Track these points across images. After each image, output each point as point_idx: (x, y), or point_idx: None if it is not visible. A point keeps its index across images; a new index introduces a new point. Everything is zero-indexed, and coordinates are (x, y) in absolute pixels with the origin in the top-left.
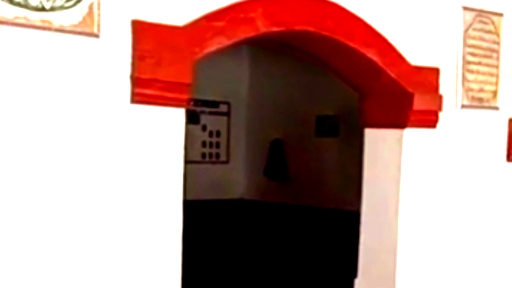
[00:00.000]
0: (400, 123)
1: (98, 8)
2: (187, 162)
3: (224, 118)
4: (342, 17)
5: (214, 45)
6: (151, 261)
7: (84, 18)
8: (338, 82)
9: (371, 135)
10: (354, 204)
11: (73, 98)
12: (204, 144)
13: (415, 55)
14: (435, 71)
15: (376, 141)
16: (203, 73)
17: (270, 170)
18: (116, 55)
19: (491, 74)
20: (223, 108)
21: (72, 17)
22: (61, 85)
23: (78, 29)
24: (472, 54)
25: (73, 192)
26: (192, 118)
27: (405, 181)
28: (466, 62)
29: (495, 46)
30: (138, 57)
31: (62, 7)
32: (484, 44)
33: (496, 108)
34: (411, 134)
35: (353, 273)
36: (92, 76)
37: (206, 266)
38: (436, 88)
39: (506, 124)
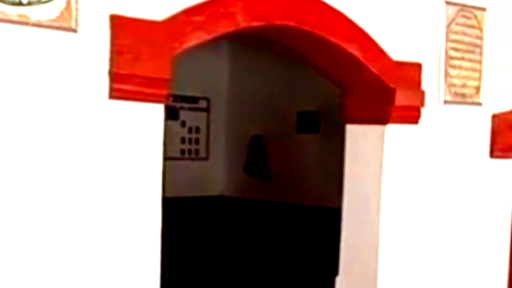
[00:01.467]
0: (381, 119)
1: (76, 3)
2: (166, 158)
3: (204, 114)
4: (323, 12)
5: (193, 40)
6: (130, 258)
7: (61, 13)
8: (319, 77)
9: (352, 131)
10: (335, 201)
11: (51, 94)
12: (183, 140)
13: (397, 50)
14: (417, 67)
15: (358, 137)
16: (182, 69)
17: (250, 167)
18: (94, 50)
19: (474, 70)
20: (202, 104)
21: (49, 11)
22: (38, 81)
23: (56, 24)
24: (455, 49)
25: (50, 189)
26: (171, 114)
27: (387, 177)
28: (448, 57)
29: (478, 41)
30: (116, 52)
31: (39, 2)
32: (467, 39)
33: (479, 104)
34: (393, 130)
35: (335, 271)
36: (70, 71)
37: (186, 264)
38: (418, 83)
39: (489, 120)
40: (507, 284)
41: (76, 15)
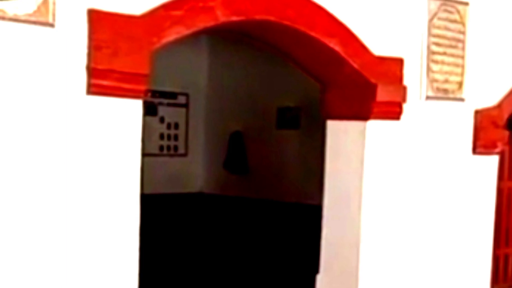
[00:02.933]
0: (363, 115)
1: None
2: (144, 155)
3: (183, 109)
4: (303, 6)
5: (172, 35)
6: (108, 256)
7: (38, 7)
8: (299, 73)
9: (333, 127)
10: (316, 198)
11: (28, 89)
12: (162, 136)
13: (379, 45)
14: (399, 62)
15: (338, 133)
16: (161, 64)
17: (229, 163)
18: (72, 45)
19: (457, 65)
20: (181, 99)
21: (26, 6)
22: (14, 76)
23: (33, 19)
24: (437, 44)
25: (27, 186)
26: (149, 110)
27: (368, 174)
28: (430, 52)
29: (460, 36)
30: (94, 47)
31: None
32: (449, 34)
33: (461, 99)
34: (374, 126)
35: (315, 269)
36: (47, 66)
37: (164, 262)
38: (400, 79)
39: (472, 116)
40: (489, 280)
41: (54, 10)
